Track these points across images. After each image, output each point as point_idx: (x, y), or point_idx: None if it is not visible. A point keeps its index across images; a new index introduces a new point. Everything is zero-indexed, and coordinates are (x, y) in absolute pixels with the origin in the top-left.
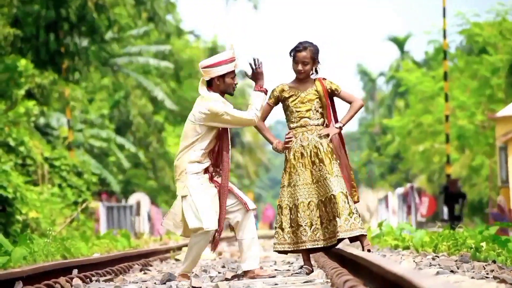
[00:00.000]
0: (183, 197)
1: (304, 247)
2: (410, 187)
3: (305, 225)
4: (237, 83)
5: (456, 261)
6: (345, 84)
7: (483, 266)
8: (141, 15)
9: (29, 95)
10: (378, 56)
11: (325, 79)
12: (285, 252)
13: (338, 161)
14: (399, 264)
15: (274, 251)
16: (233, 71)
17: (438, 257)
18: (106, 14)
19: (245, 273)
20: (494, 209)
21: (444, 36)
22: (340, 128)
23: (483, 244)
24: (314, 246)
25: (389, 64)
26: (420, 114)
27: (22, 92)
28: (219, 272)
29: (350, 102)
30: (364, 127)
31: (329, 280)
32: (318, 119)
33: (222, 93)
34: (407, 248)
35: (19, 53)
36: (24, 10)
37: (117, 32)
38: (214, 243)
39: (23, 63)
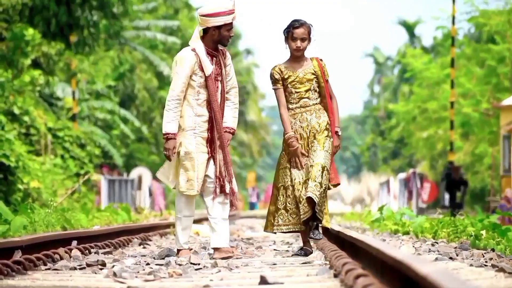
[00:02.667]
0: (177, 153)
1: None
2: (412, 172)
3: (283, 209)
4: (232, 35)
5: (455, 248)
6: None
7: (482, 254)
8: None
9: (35, 64)
10: (386, 40)
11: (322, 60)
12: (289, 232)
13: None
14: (398, 249)
15: (279, 232)
16: (230, 23)
17: (437, 243)
18: None
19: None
20: (502, 201)
21: (453, 23)
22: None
23: (483, 232)
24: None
25: (397, 48)
26: (425, 100)
27: (28, 61)
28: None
29: (329, 95)
30: (369, 111)
31: (327, 262)
32: (316, 98)
33: (216, 43)
34: (406, 233)
35: (29, 23)
36: None
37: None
38: (231, 202)
39: (30, 32)
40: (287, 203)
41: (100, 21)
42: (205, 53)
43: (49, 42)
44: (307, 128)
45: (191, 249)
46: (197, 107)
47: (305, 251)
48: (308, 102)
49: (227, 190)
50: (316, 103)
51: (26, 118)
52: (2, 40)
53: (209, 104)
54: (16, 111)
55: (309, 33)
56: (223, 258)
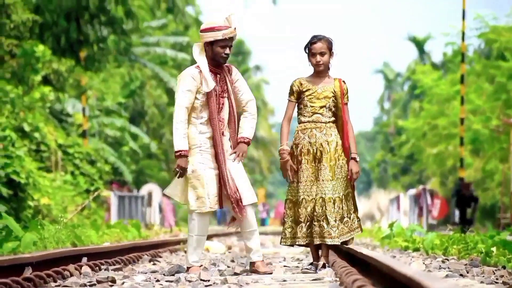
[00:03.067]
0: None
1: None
2: (423, 189)
3: (304, 221)
4: (228, 53)
5: (466, 265)
6: (363, 83)
7: (493, 271)
8: (160, 6)
9: (46, 81)
10: (396, 56)
11: (345, 82)
12: (306, 245)
13: (344, 161)
14: (408, 266)
15: (284, 244)
16: (223, 40)
17: (448, 260)
18: (126, 6)
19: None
20: None
21: (463, 39)
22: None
23: (494, 249)
24: (306, 242)
25: (407, 65)
26: (435, 117)
27: (38, 77)
28: (228, 266)
29: (344, 119)
30: (379, 127)
31: (338, 279)
32: (329, 117)
33: (212, 60)
34: (417, 250)
35: (39, 39)
36: None
37: (136, 24)
38: (231, 218)
39: (40, 48)
40: (295, 217)
41: (109, 37)
42: (208, 70)
43: (60, 59)
44: (314, 145)
45: (201, 265)
46: (199, 125)
47: (315, 266)
48: (320, 118)
49: (244, 201)
50: (328, 122)
51: (36, 135)
52: (13, 56)
53: (210, 121)
54: (27, 127)
55: (328, 47)
56: (247, 274)
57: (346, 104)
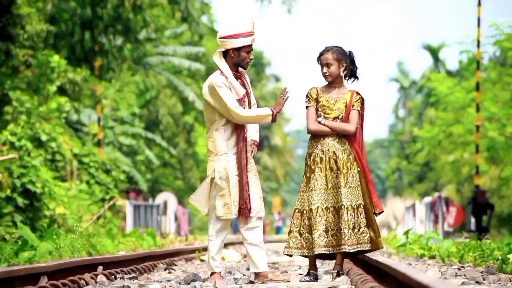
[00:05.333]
0: (211, 178)
1: (315, 252)
2: (438, 196)
3: (320, 230)
4: (252, 58)
5: (482, 272)
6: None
7: (509, 279)
8: (175, 15)
9: (61, 90)
10: (411, 64)
11: (358, 93)
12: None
13: (358, 169)
14: (424, 273)
15: (286, 254)
16: (249, 45)
17: (464, 267)
18: (143, 14)
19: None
20: None
21: (478, 46)
22: (319, 122)
23: (510, 256)
24: (325, 252)
25: (422, 73)
26: (450, 124)
27: (53, 87)
28: (243, 275)
29: (360, 129)
30: (394, 135)
31: (353, 287)
32: None
33: (236, 66)
34: (433, 257)
35: (54, 49)
36: (60, 6)
37: (154, 31)
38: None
39: (55, 59)
40: (301, 227)
41: (124, 46)
42: (233, 77)
43: (75, 69)
44: (327, 153)
45: (220, 272)
46: (226, 132)
47: (312, 276)
48: None
49: (253, 212)
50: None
51: (52, 144)
52: (28, 67)
53: (236, 127)
54: (42, 137)
55: (336, 58)
56: (263, 282)
57: (358, 111)
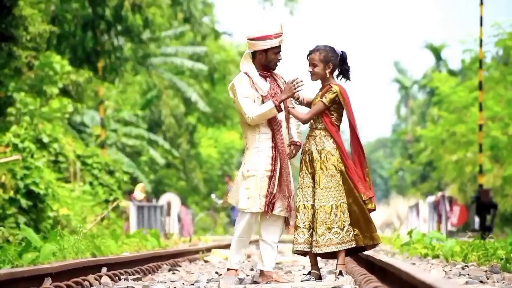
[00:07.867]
0: (241, 171)
1: (292, 250)
2: (442, 195)
3: (301, 227)
4: (281, 59)
5: (486, 271)
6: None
7: None
8: (177, 16)
9: (64, 92)
10: (413, 63)
11: (331, 86)
12: (304, 254)
13: (342, 169)
14: (428, 273)
15: (293, 252)
16: (278, 47)
17: (467, 267)
18: (143, 14)
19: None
20: None
21: (480, 45)
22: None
23: None
24: (304, 250)
25: (424, 72)
26: (453, 124)
27: (56, 89)
28: (247, 275)
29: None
30: (397, 135)
31: (357, 286)
32: (320, 123)
33: (264, 67)
34: (436, 257)
35: (56, 50)
36: (62, 7)
37: (153, 32)
38: (286, 222)
39: (58, 59)
40: (306, 222)
41: (126, 46)
42: (257, 75)
43: (77, 70)
44: (307, 152)
45: (237, 270)
46: (260, 127)
47: (314, 275)
48: (312, 125)
49: (276, 210)
50: (319, 128)
51: (55, 146)
52: (31, 68)
53: (270, 122)
54: (45, 139)
55: (321, 59)
56: (267, 282)
57: (321, 101)
